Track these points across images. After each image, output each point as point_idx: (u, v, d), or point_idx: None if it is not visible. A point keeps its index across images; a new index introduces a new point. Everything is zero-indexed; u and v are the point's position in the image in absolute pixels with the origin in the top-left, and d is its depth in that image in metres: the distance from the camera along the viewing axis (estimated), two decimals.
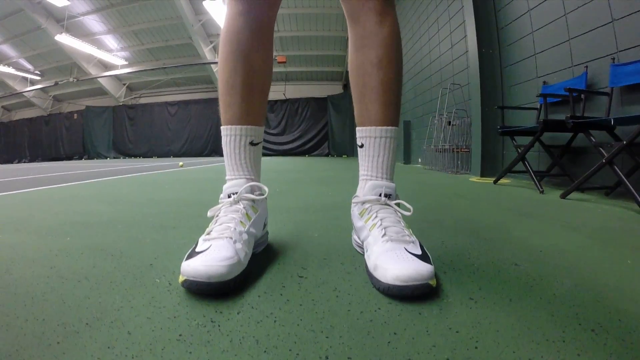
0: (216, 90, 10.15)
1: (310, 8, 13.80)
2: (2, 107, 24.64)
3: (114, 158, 21.67)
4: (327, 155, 18.66)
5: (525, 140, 3.14)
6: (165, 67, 17.54)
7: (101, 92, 20.90)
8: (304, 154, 18.90)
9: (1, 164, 18.25)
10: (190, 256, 0.84)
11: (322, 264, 1.01)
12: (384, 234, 0.90)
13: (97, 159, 21.84)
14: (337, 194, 2.77)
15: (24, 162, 19.75)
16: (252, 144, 1.09)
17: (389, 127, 1.05)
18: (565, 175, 3.07)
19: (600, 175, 2.49)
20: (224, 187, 1.05)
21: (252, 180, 1.07)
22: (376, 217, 0.97)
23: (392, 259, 0.81)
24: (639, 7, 2.45)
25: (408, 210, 0.98)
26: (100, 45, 16.82)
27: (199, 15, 14.34)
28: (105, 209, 2.14)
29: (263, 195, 1.07)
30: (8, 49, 17.96)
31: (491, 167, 4.33)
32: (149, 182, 4.03)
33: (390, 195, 1.02)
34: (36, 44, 17.16)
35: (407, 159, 8.02)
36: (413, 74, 7.55)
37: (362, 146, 1.09)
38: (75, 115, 22.57)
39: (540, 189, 2.81)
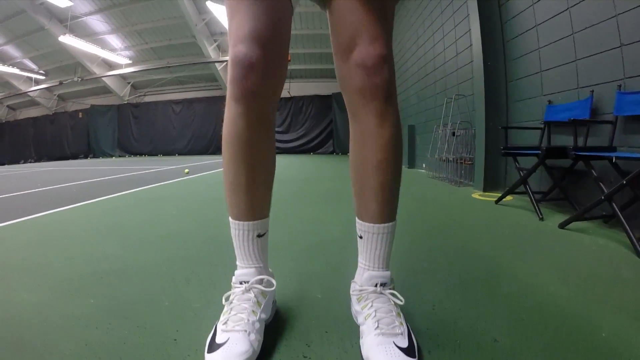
0: (220, 89, 10.26)
1: (315, 7, 13.68)
2: (7, 106, 24.73)
3: (119, 156, 21.80)
4: (331, 152, 18.58)
5: (528, 161, 3.10)
6: (169, 67, 17.52)
7: (106, 90, 20.94)
8: (309, 151, 18.85)
9: (8, 164, 18.20)
10: (211, 348, 0.96)
11: (325, 339, 1.10)
12: (377, 327, 1.00)
13: (102, 157, 21.97)
14: (340, 221, 2.76)
15: (30, 162, 19.74)
16: (258, 236, 1.13)
17: (387, 224, 1.09)
18: (565, 199, 3.05)
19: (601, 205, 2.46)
20: (236, 273, 1.14)
21: (261, 268, 1.15)
22: (371, 306, 1.06)
23: (381, 353, 0.93)
24: None
25: (400, 300, 1.07)
26: (104, 44, 16.81)
27: (203, 14, 14.29)
28: (116, 250, 2.14)
29: (271, 288, 1.15)
30: (12, 50, 17.97)
31: (494, 181, 4.30)
32: (155, 200, 3.97)
33: (386, 283, 1.10)
34: (40, 44, 17.15)
35: (412, 164, 7.98)
36: (417, 79, 7.47)
37: (361, 237, 1.14)
38: (80, 114, 22.65)
39: (540, 216, 2.80)
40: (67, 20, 14.91)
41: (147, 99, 22.09)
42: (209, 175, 7.08)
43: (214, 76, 18.34)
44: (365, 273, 1.12)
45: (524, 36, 3.74)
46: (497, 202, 3.47)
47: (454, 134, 5.08)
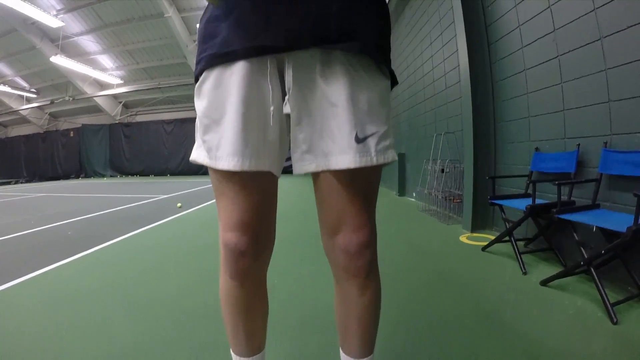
0: None
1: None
2: None
3: (111, 176, 21.68)
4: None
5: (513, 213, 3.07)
6: (160, 87, 17.52)
7: (97, 109, 20.94)
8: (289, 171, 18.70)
9: None
10: None
11: None
12: None
13: (94, 177, 21.88)
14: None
15: (22, 182, 19.51)
16: None
17: (367, 358, 1.13)
18: (550, 249, 3.06)
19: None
20: None
21: None
22: None
23: None
24: (637, 92, 2.34)
25: None
26: (95, 64, 16.84)
27: (193, 35, 14.33)
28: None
29: None
30: (3, 68, 18.05)
31: (482, 219, 4.25)
32: (145, 255, 3.70)
33: None
34: (31, 63, 17.19)
35: (402, 192, 7.89)
36: (408, 106, 7.40)
37: None
38: (72, 132, 22.59)
39: (523, 270, 2.81)
40: (58, 40, 14.94)
41: (139, 118, 22.08)
42: (202, 210, 6.74)
43: None
44: None
45: (513, 79, 3.69)
46: (483, 249, 3.44)
47: (442, 170, 5.02)
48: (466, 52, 4.20)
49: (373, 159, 0.92)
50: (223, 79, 0.94)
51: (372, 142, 0.92)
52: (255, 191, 1.01)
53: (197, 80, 1.01)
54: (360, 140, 0.92)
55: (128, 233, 4.62)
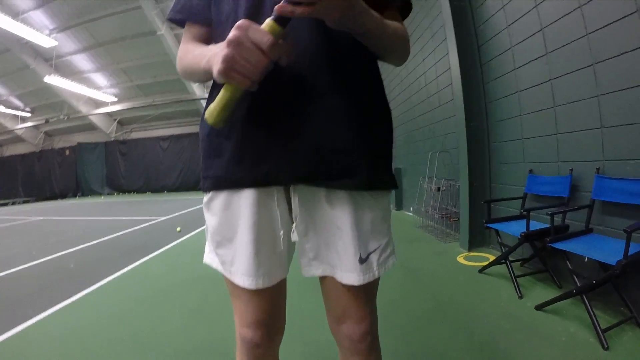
0: None
1: None
2: None
3: (108, 194, 21.60)
4: None
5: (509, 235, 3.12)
6: (155, 104, 17.55)
7: (92, 127, 20.94)
8: None
9: None
10: None
11: None
12: None
13: (91, 195, 21.80)
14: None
15: (19, 202, 19.41)
16: None
17: None
18: (546, 271, 3.11)
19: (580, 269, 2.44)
20: None
21: None
22: None
23: None
24: (629, 120, 2.35)
25: None
26: (89, 83, 16.85)
27: None
28: None
29: None
30: None
31: (479, 238, 4.26)
32: (148, 290, 3.60)
33: None
34: (25, 82, 17.15)
35: (399, 205, 7.92)
36: (404, 121, 7.42)
37: None
38: (67, 151, 22.53)
39: (519, 294, 2.85)
40: (52, 59, 14.94)
41: (134, 135, 22.07)
42: (201, 234, 6.49)
43: (199, 112, 18.32)
44: None
45: (506, 100, 3.71)
46: (480, 271, 3.47)
47: (439, 189, 5.03)
48: (458, 70, 4.21)
49: (375, 273, 0.99)
50: (232, 202, 0.98)
51: (374, 257, 0.99)
52: (268, 294, 1.04)
53: (203, 189, 1.05)
54: (363, 260, 0.97)
55: (130, 264, 4.58)
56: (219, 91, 0.78)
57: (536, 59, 3.21)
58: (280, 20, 0.73)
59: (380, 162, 0.99)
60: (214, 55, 0.81)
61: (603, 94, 2.54)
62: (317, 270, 1.03)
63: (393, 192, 7.36)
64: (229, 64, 0.72)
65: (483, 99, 4.15)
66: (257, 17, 0.89)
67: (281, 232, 0.98)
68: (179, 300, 3.21)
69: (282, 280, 1.07)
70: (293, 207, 0.97)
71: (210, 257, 1.08)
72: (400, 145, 7.84)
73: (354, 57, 0.95)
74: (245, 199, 0.96)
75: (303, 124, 0.89)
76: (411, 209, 7.00)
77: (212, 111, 0.80)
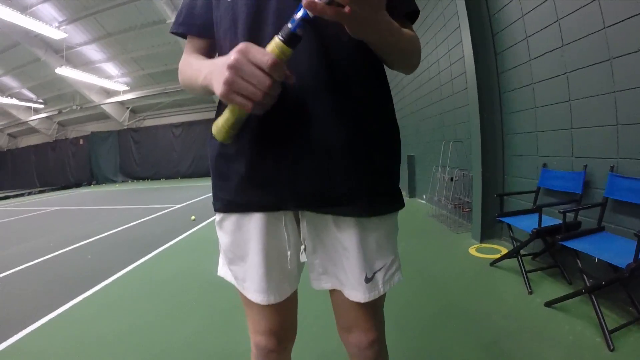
0: None
1: None
2: (8, 134, 24.86)
3: (122, 182, 21.86)
4: None
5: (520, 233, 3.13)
6: (167, 92, 17.56)
7: (105, 116, 21.05)
8: None
9: (13, 197, 18.03)
10: None
11: None
12: None
13: (105, 183, 22.06)
14: None
15: (34, 192, 19.61)
16: None
17: None
18: (557, 266, 3.12)
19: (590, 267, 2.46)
20: None
21: None
22: None
23: None
24: None
25: None
26: (100, 72, 16.88)
27: None
28: None
29: None
30: (10, 80, 18.10)
31: (491, 229, 4.28)
32: (161, 289, 3.63)
33: None
34: (37, 74, 17.23)
35: (412, 193, 7.91)
36: (414, 109, 7.38)
37: None
38: (81, 140, 22.78)
39: (529, 290, 2.88)
40: (62, 51, 14.97)
41: (147, 123, 22.16)
42: (215, 224, 6.74)
43: (211, 98, 18.28)
44: None
45: (521, 91, 3.67)
46: (492, 264, 3.49)
47: (452, 179, 5.01)
48: (472, 59, 4.17)
49: (380, 290, 1.03)
50: (243, 224, 1.01)
51: (379, 276, 1.02)
52: (279, 306, 1.08)
53: (215, 209, 1.07)
54: (369, 279, 1.01)
55: (144, 256, 4.69)
56: (226, 104, 0.77)
57: (552, 50, 3.14)
58: (291, 40, 0.70)
59: (384, 186, 1.00)
60: (210, 72, 0.81)
61: (620, 91, 2.50)
62: (326, 284, 1.08)
63: (406, 179, 7.34)
64: (230, 87, 0.71)
65: (497, 90, 4.10)
66: (257, 33, 0.89)
67: (289, 253, 1.02)
68: (193, 298, 3.27)
69: (292, 292, 1.12)
70: (302, 230, 1.01)
71: (223, 271, 1.13)
72: (411, 133, 7.80)
73: (360, 79, 0.93)
74: (255, 222, 0.99)
75: (307, 151, 0.90)
76: (424, 197, 6.99)
77: (219, 128, 0.80)
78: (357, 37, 0.76)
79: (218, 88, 0.73)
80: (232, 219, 1.03)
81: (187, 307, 3.13)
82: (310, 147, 0.89)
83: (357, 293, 1.01)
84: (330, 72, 0.88)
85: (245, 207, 0.99)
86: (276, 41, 0.70)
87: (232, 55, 0.70)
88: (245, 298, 1.09)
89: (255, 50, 0.70)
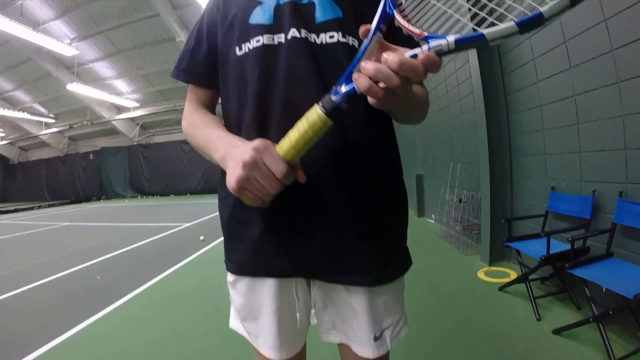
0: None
1: None
2: (19, 147, 25.14)
3: (132, 197, 21.97)
4: None
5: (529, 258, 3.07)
6: (176, 108, 17.69)
7: (115, 131, 21.29)
8: None
9: (22, 210, 18.19)
10: None
11: None
12: None
13: (115, 198, 22.22)
14: None
15: (44, 206, 19.74)
16: None
17: None
18: (565, 291, 3.09)
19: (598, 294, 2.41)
20: None
21: None
22: None
23: None
24: None
25: None
26: (111, 89, 17.10)
27: None
28: None
29: None
30: (22, 95, 18.43)
31: (500, 251, 4.23)
32: (174, 307, 3.74)
33: None
34: (48, 89, 17.53)
35: (421, 212, 7.86)
36: (423, 127, 7.32)
37: None
38: (91, 155, 22.98)
39: (537, 316, 2.84)
40: (73, 67, 15.20)
41: (157, 139, 22.32)
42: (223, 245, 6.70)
43: (219, 115, 18.35)
44: None
45: (528, 113, 3.65)
46: (500, 289, 3.46)
47: (460, 200, 4.97)
48: (479, 79, 4.18)
49: (388, 346, 1.02)
50: (256, 287, 1.02)
51: (387, 333, 1.02)
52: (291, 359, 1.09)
53: (227, 269, 1.08)
54: (377, 338, 1.01)
55: (155, 277, 4.65)
56: None
57: (559, 72, 3.14)
58: (335, 113, 0.69)
59: (394, 254, 1.02)
60: (225, 157, 0.82)
61: (628, 114, 2.48)
62: (335, 338, 1.07)
63: (415, 197, 7.29)
64: (242, 185, 0.73)
65: (504, 111, 4.08)
66: (266, 93, 0.89)
67: (298, 315, 1.03)
68: (204, 323, 3.23)
69: (302, 346, 1.11)
70: (312, 295, 1.03)
71: (236, 323, 1.12)
72: (420, 152, 7.79)
73: (371, 145, 0.94)
74: (268, 286, 1.00)
75: (320, 225, 0.91)
76: (433, 216, 6.94)
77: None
78: (380, 108, 0.74)
79: (230, 182, 0.74)
80: (244, 282, 1.04)
81: (202, 323, 3.16)
82: (324, 222, 0.91)
83: (365, 349, 1.01)
84: (343, 138, 0.89)
85: (258, 272, 1.01)
86: (318, 112, 0.69)
87: (247, 153, 0.72)
88: (257, 351, 1.09)
89: (270, 155, 0.72)
